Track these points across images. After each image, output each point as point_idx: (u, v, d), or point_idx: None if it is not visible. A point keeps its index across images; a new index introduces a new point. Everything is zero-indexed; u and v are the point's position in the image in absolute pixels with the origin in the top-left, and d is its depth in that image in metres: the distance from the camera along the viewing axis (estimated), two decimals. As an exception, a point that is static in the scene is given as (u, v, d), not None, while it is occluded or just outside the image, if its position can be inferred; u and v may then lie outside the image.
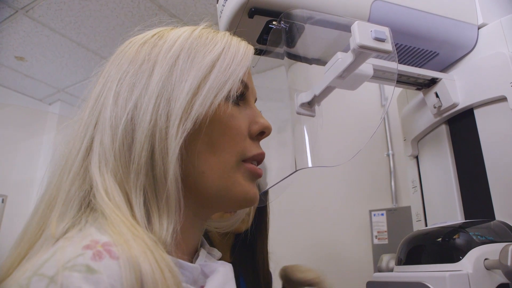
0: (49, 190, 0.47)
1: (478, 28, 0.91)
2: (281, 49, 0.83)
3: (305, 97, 0.82)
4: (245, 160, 0.52)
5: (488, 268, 0.63)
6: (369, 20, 0.82)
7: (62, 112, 2.92)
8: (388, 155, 1.74)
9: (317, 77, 0.80)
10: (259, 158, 0.54)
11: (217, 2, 0.86)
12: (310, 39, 0.83)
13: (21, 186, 2.73)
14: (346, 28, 0.69)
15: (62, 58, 2.49)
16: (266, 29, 0.82)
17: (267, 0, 0.77)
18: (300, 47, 0.83)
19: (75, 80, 2.74)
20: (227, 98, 0.50)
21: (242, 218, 0.62)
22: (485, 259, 0.64)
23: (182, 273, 0.44)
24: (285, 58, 0.81)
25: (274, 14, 0.78)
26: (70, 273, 0.33)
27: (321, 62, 0.87)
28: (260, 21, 0.80)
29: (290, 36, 0.81)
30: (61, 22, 2.16)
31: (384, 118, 1.78)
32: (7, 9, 2.05)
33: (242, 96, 0.54)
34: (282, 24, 0.79)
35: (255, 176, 0.53)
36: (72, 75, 2.67)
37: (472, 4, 0.93)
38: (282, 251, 2.03)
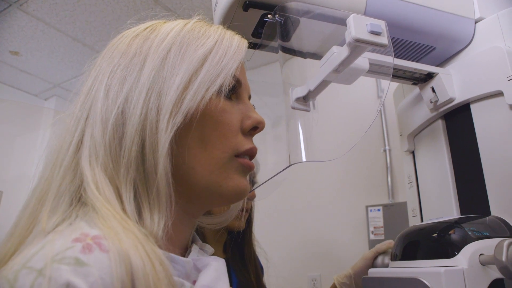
0: (40, 185, 0.46)
1: (475, 22, 0.91)
2: (276, 43, 0.83)
3: (300, 91, 0.82)
4: (237, 155, 0.51)
5: (483, 263, 0.63)
6: (365, 14, 0.82)
7: (58, 108, 2.91)
8: (384, 150, 1.74)
9: (312, 71, 0.79)
10: (251, 153, 0.53)
11: None
12: (305, 33, 0.82)
13: (17, 181, 2.72)
14: (342, 22, 0.68)
15: (57, 52, 2.47)
16: (261, 23, 0.81)
17: None
18: (295, 41, 0.82)
19: (70, 75, 2.72)
20: (218, 92, 0.49)
21: (235, 215, 0.61)
22: (480, 254, 0.63)
23: (174, 267, 0.44)
24: (280, 52, 0.80)
25: (269, 7, 0.77)
26: (59, 265, 0.33)
27: (317, 56, 0.87)
28: (254, 15, 0.79)
29: (285, 29, 0.80)
30: (56, 16, 2.14)
31: (380, 113, 1.77)
32: (1, 3, 2.03)
33: (235, 91, 0.53)
34: (277, 18, 0.78)
35: (248, 170, 0.53)
36: (67, 70, 2.66)
37: None
38: (279, 247, 2.04)
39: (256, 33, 0.83)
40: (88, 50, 2.44)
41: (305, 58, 0.86)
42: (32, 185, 0.48)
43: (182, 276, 0.45)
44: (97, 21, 2.18)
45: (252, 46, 0.86)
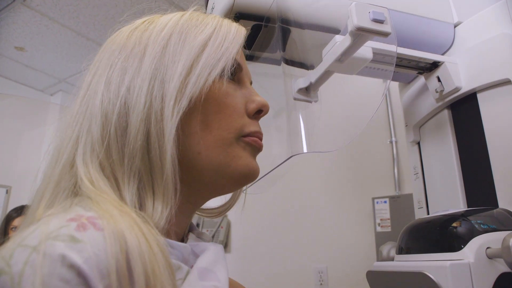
0: (43, 183, 0.47)
1: (454, 27, 0.92)
2: (269, 53, 0.85)
3: (303, 82, 0.81)
4: (244, 136, 0.51)
5: (490, 257, 0.61)
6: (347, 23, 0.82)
7: (64, 103, 2.92)
8: (391, 142, 1.72)
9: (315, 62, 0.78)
10: (257, 136, 0.52)
11: (206, 7, 0.87)
12: (297, 41, 0.84)
13: (24, 177, 2.74)
14: (332, 30, 0.72)
15: (62, 47, 2.47)
16: (253, 33, 0.83)
17: (249, 5, 0.78)
18: (288, 50, 0.83)
19: (76, 70, 2.73)
20: (221, 76, 0.49)
21: (234, 204, 0.60)
22: (487, 248, 0.62)
23: (171, 252, 0.44)
24: (282, 63, 0.81)
25: (258, 18, 0.79)
26: (54, 242, 0.33)
27: (306, 66, 0.87)
28: (246, 25, 0.80)
29: (276, 38, 0.82)
30: (60, 11, 2.14)
31: (386, 104, 1.75)
32: (5, -1, 2.04)
33: (236, 74, 0.53)
34: (268, 27, 0.79)
35: (256, 149, 0.52)
36: (72, 64, 2.67)
37: (447, 3, 0.94)
38: (285, 239, 2.03)
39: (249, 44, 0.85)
40: (92, 44, 2.44)
41: (298, 67, 0.86)
42: (37, 183, 0.48)
43: (179, 261, 0.45)
44: (100, 15, 2.18)
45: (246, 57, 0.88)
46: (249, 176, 0.51)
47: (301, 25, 0.82)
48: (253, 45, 0.84)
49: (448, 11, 0.93)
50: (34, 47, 2.48)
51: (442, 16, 0.91)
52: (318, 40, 0.81)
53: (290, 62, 0.84)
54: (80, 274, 0.32)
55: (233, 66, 0.51)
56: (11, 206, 2.60)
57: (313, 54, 0.82)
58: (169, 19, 0.52)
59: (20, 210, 2.02)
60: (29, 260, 0.32)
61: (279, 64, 0.84)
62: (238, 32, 0.53)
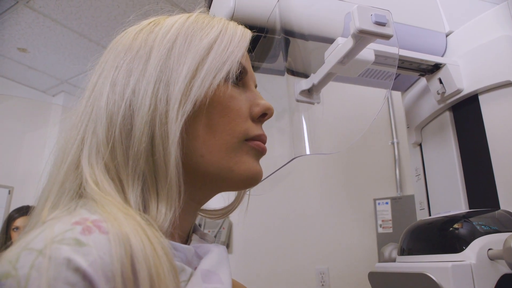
0: (48, 183, 0.47)
1: (446, 36, 0.94)
2: (268, 63, 0.86)
3: (305, 84, 0.81)
4: (248, 140, 0.51)
5: (492, 258, 0.61)
6: (343, 32, 0.81)
7: (66, 104, 2.93)
8: (392, 143, 1.72)
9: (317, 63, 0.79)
10: (261, 139, 0.53)
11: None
12: (296, 52, 0.84)
13: (27, 177, 2.75)
14: (327, 40, 0.73)
15: (64, 49, 2.48)
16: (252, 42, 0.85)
17: (248, 17, 0.79)
18: (291, 59, 0.84)
19: (78, 71, 2.73)
20: (226, 79, 0.49)
21: (238, 205, 0.60)
22: (489, 249, 0.62)
23: (175, 254, 0.44)
24: (286, 74, 0.82)
25: (258, 29, 0.79)
26: (59, 245, 0.33)
27: (303, 75, 0.88)
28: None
29: (275, 47, 0.82)
30: (62, 12, 2.14)
31: (388, 106, 1.75)
32: (8, 0, 2.04)
33: (241, 78, 0.53)
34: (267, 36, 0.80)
35: (260, 153, 0.52)
36: (74, 66, 2.67)
37: (438, 13, 0.96)
38: (286, 239, 2.03)
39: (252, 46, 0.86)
40: (94, 46, 2.45)
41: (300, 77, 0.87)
42: (41, 184, 0.48)
43: (183, 263, 0.45)
44: (102, 17, 2.18)
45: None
46: (252, 180, 0.52)
47: (301, 36, 0.82)
48: (253, 51, 0.85)
49: (440, 21, 0.95)
50: (36, 48, 2.48)
51: (434, 26, 0.93)
52: (318, 49, 0.82)
53: (291, 72, 0.85)
54: (85, 277, 0.32)
55: (238, 70, 0.51)
56: (13, 207, 2.60)
57: (314, 63, 0.82)
58: (175, 21, 0.51)
59: (22, 211, 2.02)
60: (35, 263, 0.32)
61: (277, 74, 0.84)
62: (243, 35, 0.53)
